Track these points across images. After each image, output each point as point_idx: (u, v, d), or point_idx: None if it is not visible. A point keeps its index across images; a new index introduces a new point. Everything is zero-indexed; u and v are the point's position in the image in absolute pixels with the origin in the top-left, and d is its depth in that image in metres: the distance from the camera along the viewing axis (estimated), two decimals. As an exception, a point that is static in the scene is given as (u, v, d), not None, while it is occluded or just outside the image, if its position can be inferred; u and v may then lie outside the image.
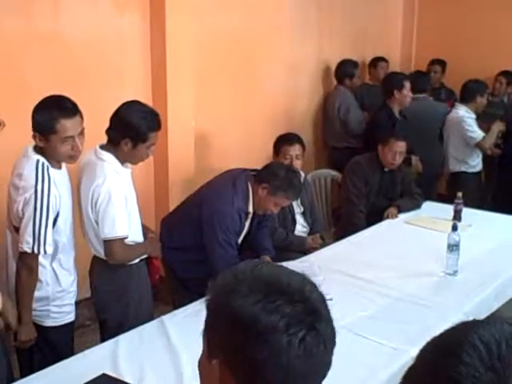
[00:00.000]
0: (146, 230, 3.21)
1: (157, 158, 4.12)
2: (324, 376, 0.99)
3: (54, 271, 2.71)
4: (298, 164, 3.98)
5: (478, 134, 5.06)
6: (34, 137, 2.58)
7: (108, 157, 2.85)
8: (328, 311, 0.99)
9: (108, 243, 2.83)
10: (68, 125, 2.57)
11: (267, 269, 1.02)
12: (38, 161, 2.57)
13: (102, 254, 2.88)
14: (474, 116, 5.14)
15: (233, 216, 3.15)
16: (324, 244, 3.96)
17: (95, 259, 2.96)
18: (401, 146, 4.27)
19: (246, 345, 0.92)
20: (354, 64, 5.86)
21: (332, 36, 5.91)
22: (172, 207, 3.85)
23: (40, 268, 2.63)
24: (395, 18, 6.84)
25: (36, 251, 2.55)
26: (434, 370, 0.77)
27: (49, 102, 2.61)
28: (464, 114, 5.10)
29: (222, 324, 0.97)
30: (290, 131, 4.21)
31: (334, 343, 0.98)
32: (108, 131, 2.89)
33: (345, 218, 4.48)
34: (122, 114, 2.86)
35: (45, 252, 2.57)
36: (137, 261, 2.98)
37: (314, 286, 1.01)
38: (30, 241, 2.53)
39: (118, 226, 2.79)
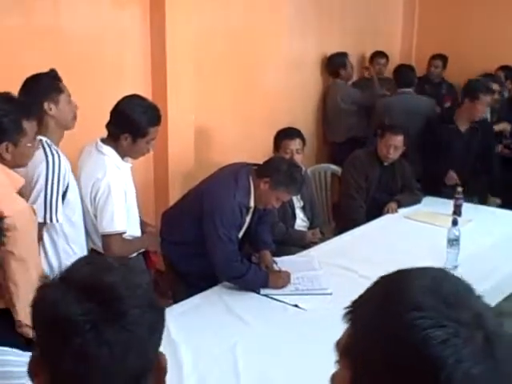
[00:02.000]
0: (144, 225, 3.21)
1: (157, 153, 4.11)
2: None
3: (57, 251, 2.71)
4: (298, 158, 3.97)
5: None
6: (46, 107, 2.67)
7: (108, 151, 2.85)
8: (138, 318, 0.92)
9: (106, 238, 2.83)
10: (64, 86, 2.75)
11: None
12: (40, 139, 2.61)
13: (100, 247, 2.88)
14: None
15: (234, 211, 3.15)
16: (324, 238, 3.96)
17: (93, 253, 2.96)
18: (397, 140, 4.26)
19: None
20: (343, 54, 5.83)
21: (332, 31, 5.90)
22: (172, 201, 3.84)
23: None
24: (396, 12, 6.81)
25: (48, 220, 2.58)
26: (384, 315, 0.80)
27: (38, 76, 2.74)
28: None
29: None
30: (289, 126, 4.20)
31: (126, 350, 0.90)
32: (108, 125, 2.90)
33: (344, 212, 4.48)
34: (122, 109, 2.86)
35: (57, 220, 2.59)
36: (134, 254, 2.98)
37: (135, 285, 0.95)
38: (42, 210, 2.54)
39: (117, 220, 2.79)
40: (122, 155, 2.90)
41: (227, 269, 3.09)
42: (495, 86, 5.05)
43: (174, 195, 4.03)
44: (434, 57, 6.27)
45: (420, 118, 5.24)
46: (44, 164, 2.58)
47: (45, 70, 3.49)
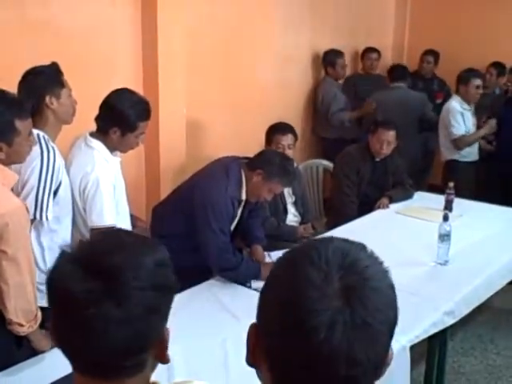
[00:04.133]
0: (134, 220, 3.19)
1: (148, 146, 4.10)
2: (122, 360, 0.99)
3: (42, 248, 2.68)
4: (289, 153, 3.95)
5: (457, 130, 5.05)
6: (47, 101, 2.65)
7: (97, 144, 2.84)
8: (136, 298, 0.97)
9: (93, 231, 2.81)
10: (66, 81, 2.72)
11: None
12: (38, 134, 2.60)
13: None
14: (467, 108, 5.11)
15: (226, 203, 3.14)
16: (315, 233, 3.96)
17: None
18: (389, 135, 4.26)
19: None
20: (337, 53, 5.83)
21: (324, 26, 5.89)
22: (163, 195, 3.83)
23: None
24: (388, 8, 6.81)
25: (38, 217, 2.56)
26: (277, 278, 0.88)
27: (39, 68, 2.71)
28: (454, 106, 5.07)
29: None
30: (280, 121, 4.19)
31: (122, 327, 0.96)
32: (97, 119, 2.88)
33: (336, 207, 4.48)
34: (112, 103, 2.84)
35: (46, 218, 2.58)
36: None
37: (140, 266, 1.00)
38: (32, 207, 2.53)
39: (106, 214, 2.78)
40: (111, 149, 2.88)
41: (220, 261, 3.09)
42: (479, 82, 5.10)
43: (166, 189, 4.01)
44: (426, 52, 6.27)
45: (412, 111, 5.29)
46: (39, 160, 2.57)
47: (36, 63, 3.48)
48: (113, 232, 1.12)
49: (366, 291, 0.83)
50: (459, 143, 5.08)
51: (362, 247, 0.90)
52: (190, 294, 2.90)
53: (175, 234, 3.27)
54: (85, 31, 3.85)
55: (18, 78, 2.90)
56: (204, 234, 3.12)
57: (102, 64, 3.99)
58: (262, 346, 0.86)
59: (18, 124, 2.32)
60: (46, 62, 3.51)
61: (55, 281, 1.00)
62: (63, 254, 1.02)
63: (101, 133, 2.86)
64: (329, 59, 5.80)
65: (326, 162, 5.19)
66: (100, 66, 3.97)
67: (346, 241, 0.90)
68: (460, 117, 5.05)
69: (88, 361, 0.99)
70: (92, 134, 2.88)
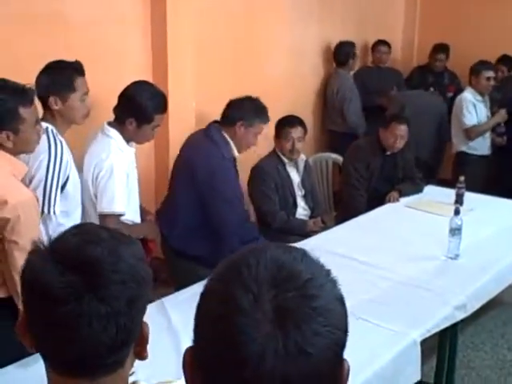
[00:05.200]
0: (144, 212, 3.19)
1: (157, 140, 4.08)
2: (105, 357, 0.95)
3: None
4: (299, 146, 3.97)
5: (469, 120, 5.07)
6: (50, 101, 2.64)
7: (114, 133, 2.88)
8: (118, 292, 0.94)
9: (103, 218, 2.83)
10: (83, 82, 2.70)
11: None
12: (47, 128, 2.60)
13: None
14: (479, 99, 5.13)
15: (229, 167, 3.21)
16: (325, 227, 3.94)
17: None
18: (402, 129, 4.23)
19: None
20: (352, 44, 5.79)
21: (334, 18, 5.85)
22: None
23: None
24: (398, 1, 6.76)
25: (46, 211, 2.57)
26: (208, 294, 0.80)
27: (60, 64, 2.69)
28: (467, 96, 5.14)
29: None
30: (290, 113, 4.17)
31: (105, 322, 0.93)
32: (115, 109, 2.92)
33: (345, 201, 4.46)
34: (130, 93, 2.88)
35: (54, 212, 2.59)
36: None
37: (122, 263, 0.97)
38: (40, 201, 2.53)
39: (117, 201, 2.80)
40: (127, 139, 2.91)
41: (241, 231, 3.11)
42: (491, 73, 5.11)
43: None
44: (437, 49, 6.16)
45: (432, 115, 5.32)
46: (46, 154, 2.57)
47: (46, 55, 3.49)
48: (88, 226, 1.08)
49: (304, 312, 0.72)
50: (470, 133, 5.10)
51: (303, 255, 0.79)
52: (200, 286, 2.87)
53: (188, 226, 3.27)
54: (94, 23, 3.84)
55: (27, 69, 2.91)
56: (218, 209, 3.11)
57: (112, 56, 3.98)
58: (198, 370, 0.78)
59: (22, 111, 2.32)
60: (55, 54, 3.52)
61: (30, 277, 0.96)
62: (36, 250, 0.98)
63: (118, 123, 2.90)
64: (348, 50, 5.72)
65: (335, 156, 5.17)
66: (109, 58, 3.96)
67: (283, 250, 0.79)
68: (472, 107, 5.08)
69: (69, 359, 0.95)
70: (110, 123, 2.91)
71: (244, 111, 3.28)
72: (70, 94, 2.68)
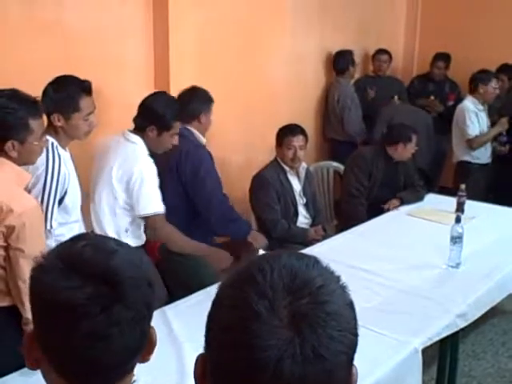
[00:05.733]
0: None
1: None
2: (127, 363, 0.98)
3: None
4: (301, 155, 3.98)
5: (472, 130, 5.07)
6: (53, 118, 2.67)
7: (137, 139, 2.99)
8: (140, 297, 0.96)
9: (148, 220, 3.01)
10: (89, 102, 2.72)
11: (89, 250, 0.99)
12: (47, 140, 2.60)
13: (111, 233, 3.00)
14: (481, 108, 5.13)
15: (208, 156, 3.45)
16: (326, 236, 3.95)
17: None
18: (411, 147, 4.31)
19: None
20: (350, 52, 5.80)
21: (335, 27, 5.86)
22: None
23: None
24: (399, 8, 6.78)
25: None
26: (221, 301, 0.81)
27: (68, 80, 2.71)
28: (469, 106, 5.11)
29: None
30: (290, 122, 4.19)
31: (132, 327, 0.95)
32: (135, 119, 3.05)
33: (346, 210, 4.47)
34: (149, 102, 3.04)
35: (50, 226, 2.62)
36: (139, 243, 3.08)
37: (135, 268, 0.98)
38: None
39: (155, 202, 2.95)
40: (148, 149, 3.00)
41: (226, 211, 3.43)
42: (495, 82, 5.11)
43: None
44: (437, 57, 6.17)
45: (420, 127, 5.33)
46: (44, 168, 2.59)
47: (46, 64, 3.51)
48: (91, 236, 1.08)
49: (319, 317, 0.74)
50: (473, 143, 5.10)
51: (315, 262, 0.81)
52: (202, 294, 2.88)
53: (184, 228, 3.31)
54: (95, 31, 3.86)
55: (29, 78, 2.93)
56: (207, 190, 3.35)
57: (113, 65, 4.00)
58: (211, 377, 0.79)
59: (32, 122, 2.33)
60: (57, 61, 3.54)
61: (47, 292, 0.94)
62: (44, 265, 0.96)
63: (138, 131, 3.01)
64: (344, 58, 5.74)
65: (336, 164, 5.18)
66: (111, 66, 3.98)
67: (296, 257, 0.81)
68: (474, 116, 5.08)
69: (91, 370, 0.95)
70: (131, 131, 3.02)
71: (199, 103, 3.59)
72: (73, 113, 2.69)
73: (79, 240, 1.01)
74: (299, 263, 0.79)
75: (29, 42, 3.51)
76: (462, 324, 2.83)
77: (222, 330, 0.77)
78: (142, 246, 3.13)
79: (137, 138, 3.00)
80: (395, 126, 4.55)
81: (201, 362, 0.82)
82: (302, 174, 4.11)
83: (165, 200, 3.34)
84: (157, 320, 2.75)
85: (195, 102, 3.61)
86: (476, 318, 2.96)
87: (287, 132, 4.01)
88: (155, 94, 3.11)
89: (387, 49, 6.22)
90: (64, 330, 0.93)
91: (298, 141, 3.96)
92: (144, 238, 3.17)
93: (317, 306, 0.75)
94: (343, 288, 0.81)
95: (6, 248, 2.27)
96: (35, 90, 2.57)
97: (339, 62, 5.76)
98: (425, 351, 2.54)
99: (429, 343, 2.58)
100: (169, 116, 3.02)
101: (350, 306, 0.80)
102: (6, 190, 2.26)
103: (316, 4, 5.58)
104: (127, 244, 1.06)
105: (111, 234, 2.99)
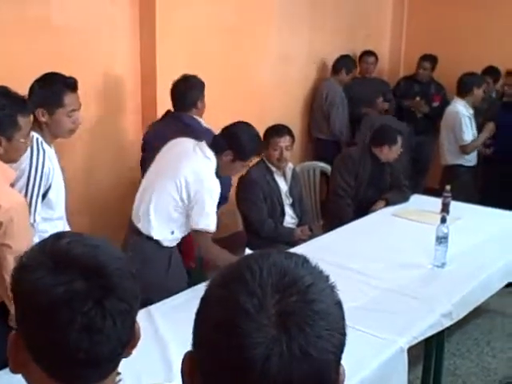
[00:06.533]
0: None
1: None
2: (119, 355, 0.98)
3: None
4: (287, 155, 3.98)
5: (467, 136, 5.10)
6: (37, 113, 2.67)
7: (212, 157, 3.04)
8: (128, 289, 0.97)
9: (196, 233, 3.04)
10: (73, 99, 2.73)
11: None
12: (32, 136, 2.61)
13: (145, 229, 3.05)
14: (471, 111, 5.16)
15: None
16: (312, 235, 3.96)
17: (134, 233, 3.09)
18: (397, 149, 4.33)
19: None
20: (353, 61, 5.92)
21: (323, 29, 5.88)
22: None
23: None
24: (386, 12, 6.82)
25: None
26: (210, 299, 0.81)
27: (53, 77, 2.74)
28: (462, 111, 5.10)
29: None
30: (277, 122, 4.19)
31: (124, 319, 0.95)
32: (216, 137, 3.13)
33: (332, 211, 4.49)
34: (236, 130, 3.12)
35: (34, 220, 2.61)
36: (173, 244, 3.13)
37: (117, 261, 0.98)
38: None
39: (212, 221, 2.98)
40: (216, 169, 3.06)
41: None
42: (484, 86, 5.17)
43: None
44: (423, 58, 6.20)
45: None
46: (28, 162, 2.59)
47: (35, 62, 3.49)
48: (71, 233, 1.07)
49: (307, 315, 0.74)
50: (467, 148, 5.12)
51: (304, 261, 0.81)
52: (190, 292, 2.87)
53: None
54: (84, 29, 3.86)
55: (17, 76, 2.92)
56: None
57: (101, 62, 3.99)
58: (199, 375, 0.79)
59: (20, 120, 2.35)
60: (44, 59, 3.53)
61: (38, 291, 0.92)
62: (24, 264, 0.96)
63: (214, 149, 3.05)
64: (344, 63, 5.83)
65: (322, 164, 5.19)
66: (98, 64, 3.97)
67: (285, 256, 0.81)
68: (468, 121, 5.10)
69: (85, 364, 0.94)
70: (208, 146, 3.07)
71: (195, 90, 3.83)
72: (57, 108, 2.71)
73: (61, 237, 1.00)
74: (288, 262, 0.80)
75: (18, 40, 3.50)
76: (447, 323, 2.85)
77: (210, 328, 0.77)
78: (170, 248, 3.16)
79: (211, 155, 3.04)
80: (381, 127, 4.56)
81: (188, 359, 0.82)
82: (289, 174, 4.11)
83: None
84: (142, 319, 2.74)
85: (191, 90, 3.81)
86: (461, 317, 2.98)
87: (273, 133, 4.01)
88: (245, 123, 3.17)
89: (374, 50, 6.25)
90: (58, 327, 0.92)
91: (284, 141, 3.97)
92: (174, 244, 3.19)
93: (305, 304, 0.75)
94: (332, 287, 0.81)
95: None
96: (23, 89, 2.57)
97: (337, 62, 5.83)
98: (410, 350, 2.56)
99: (414, 342, 2.59)
100: (250, 149, 3.11)
101: (339, 305, 0.80)
102: None
103: (303, 6, 5.60)
104: (103, 239, 1.05)
105: (153, 222, 3.04)
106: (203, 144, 3.09)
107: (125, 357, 1.03)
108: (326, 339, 0.74)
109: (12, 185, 2.52)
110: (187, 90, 3.80)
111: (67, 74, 2.82)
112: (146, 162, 3.52)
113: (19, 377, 1.00)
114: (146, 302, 2.88)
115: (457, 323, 3.01)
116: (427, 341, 2.86)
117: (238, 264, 0.81)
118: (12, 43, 3.47)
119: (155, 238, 3.05)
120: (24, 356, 0.96)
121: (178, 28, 4.27)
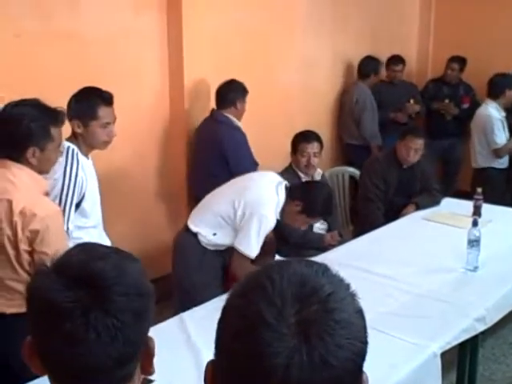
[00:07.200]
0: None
1: (174, 155, 4.14)
2: (113, 370, 0.97)
3: None
4: (315, 161, 3.98)
5: (500, 139, 5.04)
6: (73, 124, 2.78)
7: (282, 199, 3.18)
8: (121, 304, 0.96)
9: (236, 252, 3.11)
10: (107, 112, 2.82)
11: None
12: (68, 147, 2.72)
13: (193, 225, 3.20)
14: (503, 114, 5.10)
15: (242, 135, 3.90)
16: (342, 241, 3.94)
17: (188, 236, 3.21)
18: (417, 143, 4.24)
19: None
20: (378, 61, 5.86)
21: (347, 32, 5.86)
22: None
23: None
24: (412, 13, 6.76)
25: None
26: (230, 309, 0.81)
27: (89, 91, 2.83)
28: (493, 114, 5.06)
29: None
30: (305, 128, 4.19)
31: (113, 335, 0.94)
32: (294, 185, 3.36)
33: (362, 215, 4.46)
34: (315, 186, 3.46)
35: (67, 228, 2.67)
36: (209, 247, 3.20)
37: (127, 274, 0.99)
38: None
39: (253, 247, 3.06)
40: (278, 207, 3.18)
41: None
42: None
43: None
44: (452, 59, 6.13)
45: None
46: (61, 172, 2.68)
47: (63, 74, 3.56)
48: (91, 245, 1.10)
49: (328, 325, 0.74)
50: (500, 152, 5.07)
51: (324, 270, 0.81)
52: (219, 300, 2.90)
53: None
54: (110, 40, 3.91)
55: (45, 88, 2.99)
56: (239, 160, 3.83)
57: (128, 73, 4.04)
58: (221, 382, 0.80)
59: (53, 130, 2.41)
60: (73, 72, 3.59)
61: (36, 295, 0.98)
62: (39, 270, 1.01)
63: (288, 195, 3.18)
64: (372, 66, 5.79)
65: (351, 169, 5.17)
66: (126, 75, 4.02)
67: (305, 264, 0.81)
68: (501, 124, 5.04)
69: (77, 374, 0.96)
70: (285, 187, 3.22)
71: (235, 92, 4.13)
72: (90, 121, 2.80)
73: (79, 246, 1.04)
74: (308, 271, 0.80)
75: (45, 52, 3.56)
76: (481, 328, 2.81)
77: (230, 338, 0.77)
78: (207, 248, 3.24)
79: (283, 196, 3.17)
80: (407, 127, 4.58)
81: (210, 368, 0.83)
82: (317, 179, 4.11)
83: (209, 169, 3.99)
84: (174, 326, 2.77)
85: (232, 91, 4.14)
86: (495, 321, 2.94)
87: (302, 139, 4.02)
88: (326, 185, 3.51)
89: (400, 53, 6.18)
90: (47, 331, 0.95)
91: (312, 148, 3.97)
92: (211, 248, 3.26)
93: (326, 313, 0.75)
94: (353, 296, 0.80)
95: (31, 253, 2.31)
96: (53, 101, 2.62)
97: (365, 66, 5.79)
98: (443, 356, 2.53)
99: (447, 347, 2.56)
100: (320, 209, 3.28)
101: (360, 313, 0.80)
102: (28, 196, 2.32)
103: (328, 10, 5.59)
104: (128, 253, 1.06)
105: (202, 220, 3.18)
106: (282, 183, 3.23)
107: (145, 375, 1.04)
108: (346, 348, 0.74)
109: (46, 194, 2.58)
110: (228, 90, 4.14)
111: (95, 85, 2.90)
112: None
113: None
114: (182, 294, 3.11)
115: (491, 328, 2.97)
116: (461, 346, 2.82)
117: (258, 273, 0.81)
118: (40, 55, 3.54)
119: (196, 231, 3.17)
120: (36, 360, 0.99)
121: (204, 35, 4.29)
